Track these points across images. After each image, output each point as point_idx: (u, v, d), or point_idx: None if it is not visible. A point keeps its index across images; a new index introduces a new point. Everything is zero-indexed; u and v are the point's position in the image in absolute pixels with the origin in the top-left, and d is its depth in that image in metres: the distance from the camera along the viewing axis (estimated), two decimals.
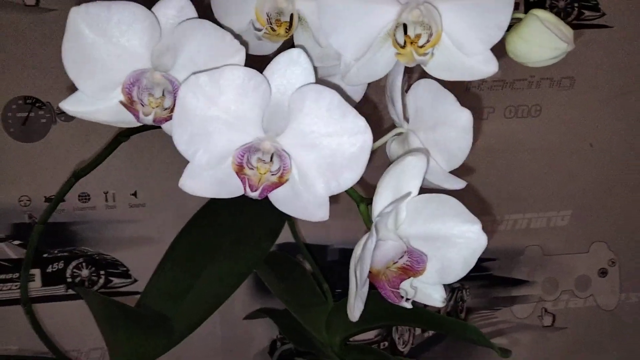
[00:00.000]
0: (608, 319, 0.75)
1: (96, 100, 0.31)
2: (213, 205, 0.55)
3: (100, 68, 0.31)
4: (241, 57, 0.31)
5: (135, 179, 0.62)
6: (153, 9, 0.32)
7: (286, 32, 0.34)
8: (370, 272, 0.30)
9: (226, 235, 0.53)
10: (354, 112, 0.30)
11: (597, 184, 0.72)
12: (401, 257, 0.31)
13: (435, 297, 0.32)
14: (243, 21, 0.34)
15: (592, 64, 0.69)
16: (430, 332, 0.72)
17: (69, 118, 0.60)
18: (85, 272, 0.62)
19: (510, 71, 0.67)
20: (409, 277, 0.31)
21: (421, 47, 0.30)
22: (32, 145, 0.60)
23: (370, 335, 0.69)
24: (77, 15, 0.30)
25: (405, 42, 0.31)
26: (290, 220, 0.55)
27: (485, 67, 0.31)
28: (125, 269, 0.64)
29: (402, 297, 0.30)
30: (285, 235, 0.53)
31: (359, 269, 0.29)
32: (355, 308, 0.30)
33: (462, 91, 0.67)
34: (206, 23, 0.31)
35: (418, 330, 0.71)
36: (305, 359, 0.58)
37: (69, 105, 0.32)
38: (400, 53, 0.31)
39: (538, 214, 0.72)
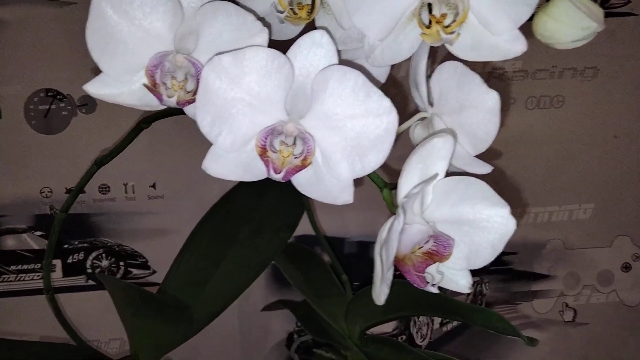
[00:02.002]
0: (631, 315, 0.73)
1: (120, 83, 0.31)
2: (232, 196, 0.55)
3: (123, 50, 0.31)
4: (263, 38, 0.31)
5: (154, 171, 0.63)
6: None
7: (308, 15, 0.34)
8: (395, 257, 0.30)
9: (245, 225, 0.53)
10: (379, 92, 0.30)
11: (621, 176, 0.70)
12: (427, 242, 0.30)
13: (461, 284, 0.32)
14: (265, 4, 0.34)
15: (616, 53, 0.67)
16: (449, 326, 0.71)
17: (90, 110, 0.61)
18: (105, 263, 0.63)
19: (532, 61, 0.66)
20: (435, 263, 0.30)
21: (447, 26, 0.30)
22: (53, 138, 0.60)
23: (388, 328, 0.69)
24: None
25: (430, 22, 0.30)
26: (310, 211, 0.55)
27: (512, 46, 0.30)
28: (144, 260, 0.64)
29: (428, 282, 0.30)
30: (302, 228, 0.52)
31: (384, 252, 0.29)
32: (381, 292, 0.29)
33: None
34: (228, 5, 0.31)
35: (436, 325, 0.70)
36: (324, 351, 0.57)
37: (92, 88, 0.32)
38: (426, 33, 0.30)
39: (560, 207, 0.70)
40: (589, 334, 0.73)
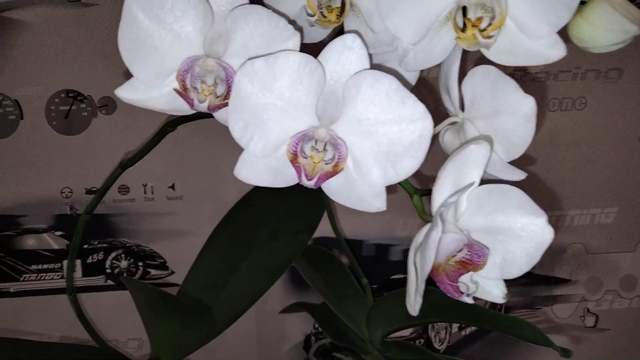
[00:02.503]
0: None
1: (150, 88, 0.31)
2: (250, 198, 0.55)
3: (154, 54, 0.31)
4: (295, 42, 0.30)
5: (173, 172, 0.63)
6: None
7: (337, 18, 0.33)
8: None
9: (264, 227, 0.53)
10: (413, 97, 0.29)
11: None
12: (460, 251, 0.29)
13: (495, 293, 0.31)
14: (294, 7, 0.34)
15: None
16: (467, 331, 0.70)
17: (110, 111, 0.61)
18: (124, 263, 0.63)
19: (555, 62, 0.65)
20: (468, 272, 0.30)
21: (483, 30, 0.29)
22: (74, 138, 0.61)
23: (406, 332, 0.68)
24: (132, 1, 0.30)
25: (465, 25, 0.29)
26: (331, 214, 0.55)
27: (551, 50, 0.29)
28: (162, 260, 0.64)
29: (463, 292, 0.29)
30: (320, 230, 0.52)
31: (420, 262, 0.28)
32: (415, 303, 0.29)
33: None
34: (259, 8, 0.30)
35: (455, 329, 0.70)
36: (344, 354, 0.57)
37: (123, 93, 0.31)
38: (460, 37, 0.29)
39: (582, 211, 0.69)
40: (610, 340, 0.72)
